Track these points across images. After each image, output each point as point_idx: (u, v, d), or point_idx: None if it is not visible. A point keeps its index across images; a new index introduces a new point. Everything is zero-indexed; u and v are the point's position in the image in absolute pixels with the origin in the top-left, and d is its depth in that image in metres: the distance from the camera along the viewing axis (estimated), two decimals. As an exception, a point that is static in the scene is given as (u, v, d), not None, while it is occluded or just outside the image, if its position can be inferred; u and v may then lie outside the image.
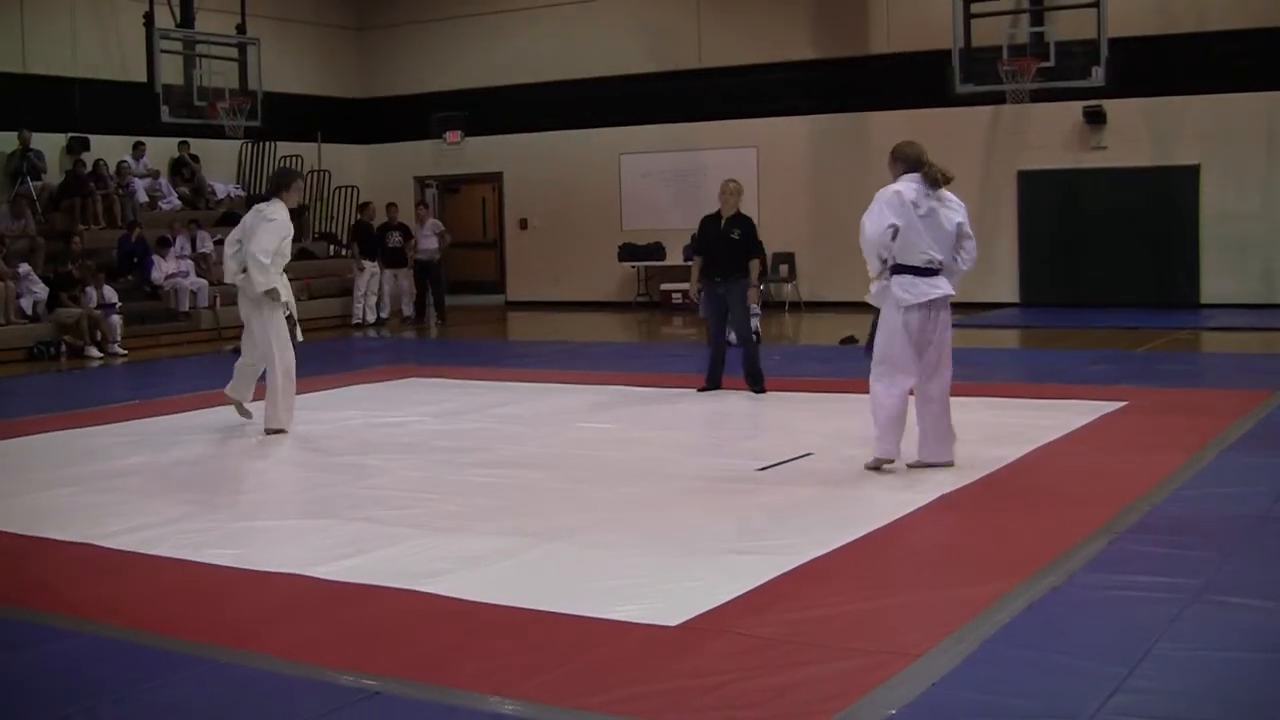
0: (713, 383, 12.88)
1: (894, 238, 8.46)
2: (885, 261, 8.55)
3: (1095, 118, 21.96)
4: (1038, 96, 20.96)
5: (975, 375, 13.79)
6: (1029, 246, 22.76)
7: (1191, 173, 21.50)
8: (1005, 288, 22.91)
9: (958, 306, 21.46)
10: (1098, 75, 20.14)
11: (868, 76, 23.82)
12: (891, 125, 23.25)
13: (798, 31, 24.42)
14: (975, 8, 21.26)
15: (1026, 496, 8.00)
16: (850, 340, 17.46)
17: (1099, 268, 22.16)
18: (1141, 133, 21.85)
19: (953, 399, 11.72)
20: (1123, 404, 11.32)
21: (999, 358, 16.44)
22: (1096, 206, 22.16)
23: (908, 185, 8.56)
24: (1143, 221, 21.83)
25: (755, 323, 17.41)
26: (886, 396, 8.72)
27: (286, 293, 10.95)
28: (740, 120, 24.81)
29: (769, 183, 24.63)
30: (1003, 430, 10.20)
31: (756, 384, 12.64)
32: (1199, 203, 21.50)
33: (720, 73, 25.03)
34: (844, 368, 14.55)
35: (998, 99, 21.29)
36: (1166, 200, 21.68)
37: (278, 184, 11.24)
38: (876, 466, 8.80)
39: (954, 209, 8.77)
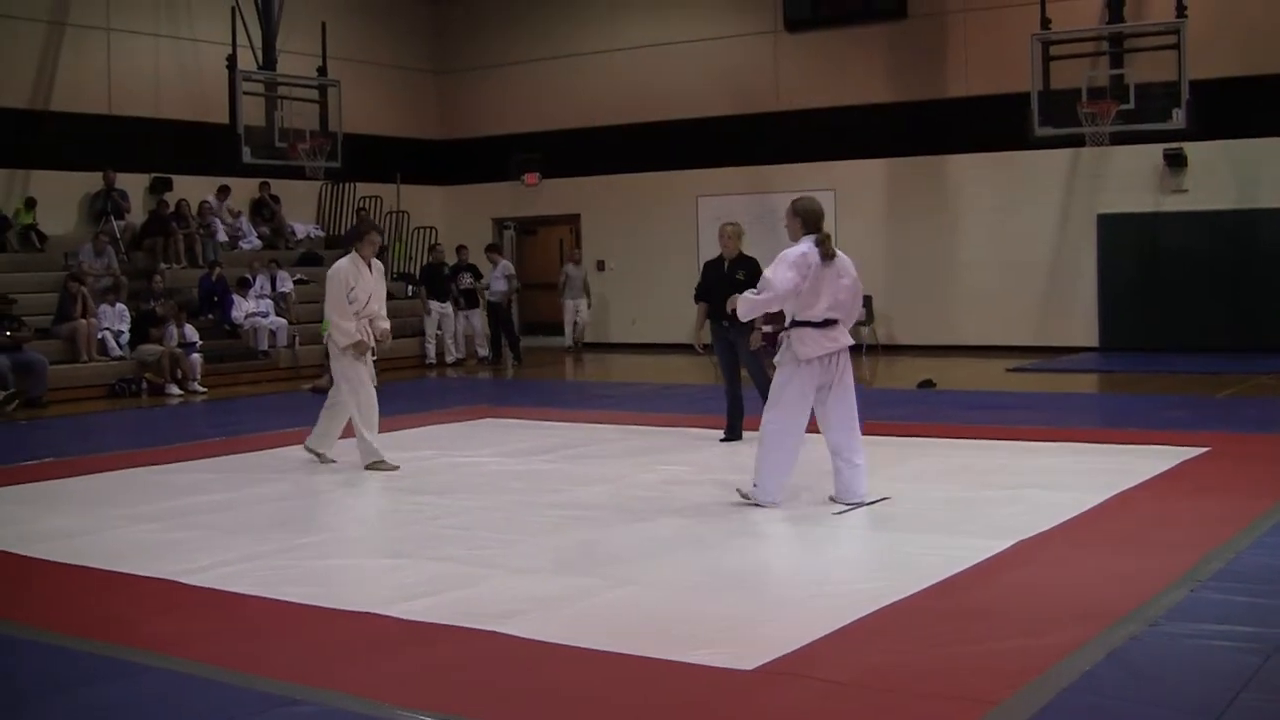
0: (732, 433, 12.48)
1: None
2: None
3: (1176, 160, 21.79)
4: (1117, 139, 20.82)
5: (1054, 420, 13.71)
6: (1108, 290, 22.57)
7: (1274, 216, 21.23)
8: (1085, 332, 22.73)
9: (1036, 349, 21.39)
10: (1178, 118, 19.99)
11: (946, 119, 23.76)
12: (970, 168, 23.32)
13: (875, 74, 24.42)
14: (1054, 50, 21.18)
15: (1106, 543, 7.91)
16: (928, 383, 17.39)
17: (1180, 312, 21.93)
18: (1223, 175, 21.66)
19: (1031, 444, 11.69)
20: (1204, 450, 11.18)
21: (1078, 402, 16.32)
22: (1177, 250, 21.97)
23: (810, 248, 9.00)
24: (1224, 265, 21.63)
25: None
26: (778, 443, 9.11)
27: (360, 336, 11.34)
28: (818, 163, 24.77)
29: (846, 225, 24.55)
30: (1082, 475, 10.12)
31: None
32: (1282, 246, 21.30)
33: (798, 115, 25.04)
34: (922, 411, 14.48)
35: (1077, 142, 21.17)
36: (1249, 244, 21.46)
37: (349, 238, 11.74)
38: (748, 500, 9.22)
39: (849, 267, 9.25)
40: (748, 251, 12.50)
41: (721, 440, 12.50)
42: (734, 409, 12.52)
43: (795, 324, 9.01)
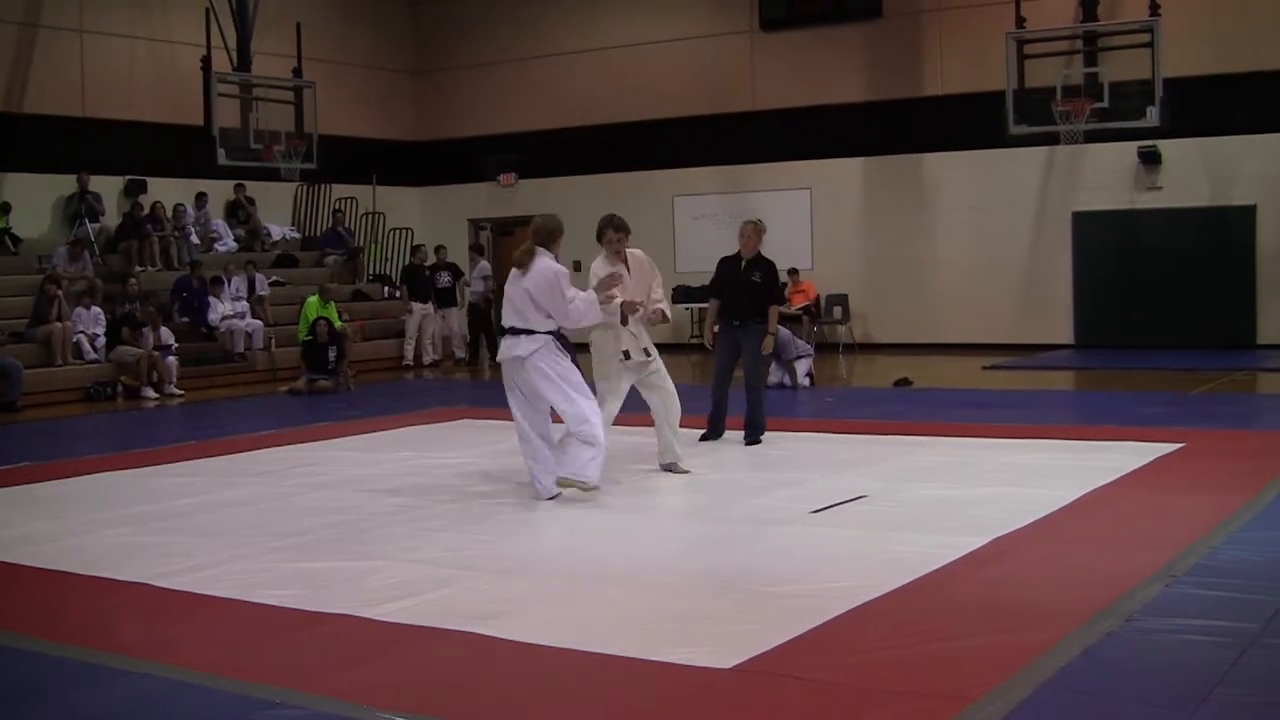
0: (713, 432, 12.35)
1: None
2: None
3: (1150, 158, 21.89)
4: (1092, 137, 20.90)
5: (1031, 417, 13.74)
6: (1084, 287, 22.67)
7: (1248, 213, 21.38)
8: (1060, 329, 22.81)
9: (1013, 347, 21.45)
10: (1152, 115, 20.06)
11: (921, 118, 23.83)
12: (945, 167, 23.37)
13: (851, 73, 24.46)
14: (1029, 48, 21.24)
15: (1083, 539, 7.93)
16: (904, 382, 17.42)
17: (1155, 309, 22.04)
18: (1197, 173, 21.76)
19: (1008, 441, 11.77)
20: (1179, 445, 11.22)
21: (1054, 399, 16.37)
22: (1152, 247, 22.07)
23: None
24: (1199, 262, 21.73)
25: (809, 364, 17.45)
26: (528, 444, 9.82)
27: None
28: (794, 162, 24.83)
29: (823, 224, 24.65)
30: (1057, 472, 10.13)
31: (753, 435, 12.18)
32: (1255, 243, 21.40)
33: (774, 115, 25.07)
34: (898, 409, 14.51)
35: (1052, 140, 21.23)
36: (1223, 240, 21.58)
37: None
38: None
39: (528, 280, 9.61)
40: (731, 251, 12.48)
41: (701, 439, 12.37)
42: (718, 409, 12.45)
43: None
